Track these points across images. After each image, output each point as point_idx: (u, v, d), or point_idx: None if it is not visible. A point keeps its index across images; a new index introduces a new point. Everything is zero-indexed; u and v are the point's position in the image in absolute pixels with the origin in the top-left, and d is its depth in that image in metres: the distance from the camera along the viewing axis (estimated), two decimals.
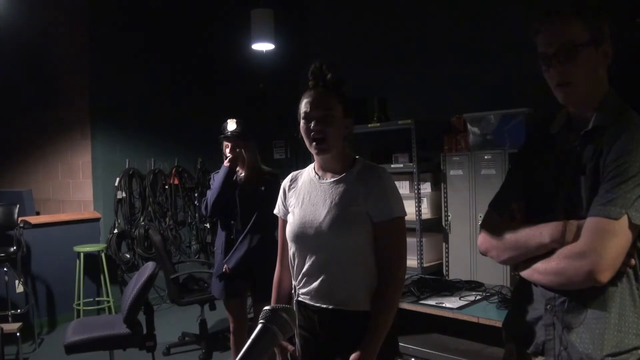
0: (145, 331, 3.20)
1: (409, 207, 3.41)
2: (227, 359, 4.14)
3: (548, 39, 1.34)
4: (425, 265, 3.84)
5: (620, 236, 1.21)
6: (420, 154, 3.83)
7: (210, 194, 3.23)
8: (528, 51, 1.40)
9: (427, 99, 4.39)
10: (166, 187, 5.98)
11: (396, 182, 1.97)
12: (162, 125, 5.93)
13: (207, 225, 6.18)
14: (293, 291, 1.86)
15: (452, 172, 3.74)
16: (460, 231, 3.71)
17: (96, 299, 5.38)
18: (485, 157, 3.55)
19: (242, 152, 3.22)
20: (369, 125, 4.12)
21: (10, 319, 4.48)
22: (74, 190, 5.83)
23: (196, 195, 6.19)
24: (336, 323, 1.74)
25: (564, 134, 1.42)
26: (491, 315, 2.61)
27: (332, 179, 1.79)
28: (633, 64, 3.22)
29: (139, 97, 5.72)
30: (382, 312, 1.69)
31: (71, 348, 3.04)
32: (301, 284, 1.80)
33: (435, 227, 3.92)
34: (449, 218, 3.79)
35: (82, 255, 5.04)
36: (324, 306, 1.74)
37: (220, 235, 3.32)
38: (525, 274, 1.38)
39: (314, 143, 1.73)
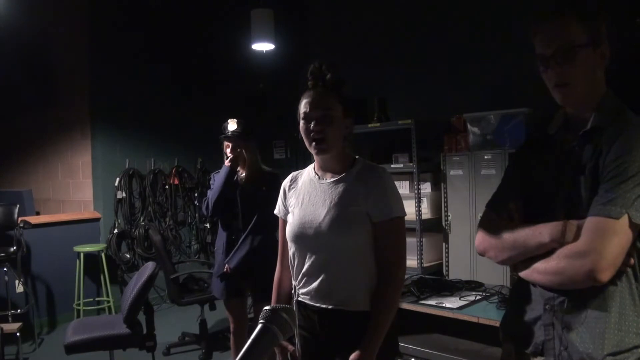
0: (145, 331, 3.20)
1: (409, 207, 3.41)
2: (227, 359, 4.14)
3: (546, 40, 1.34)
4: (425, 265, 3.84)
5: (620, 235, 1.21)
6: (420, 154, 3.83)
7: (211, 194, 3.23)
8: (528, 51, 1.40)
9: (427, 99, 4.39)
10: (166, 187, 5.98)
11: (396, 182, 1.97)
12: (162, 125, 5.93)
13: (207, 225, 6.18)
14: (293, 291, 1.86)
15: (452, 172, 3.74)
16: (460, 231, 3.71)
17: (96, 299, 5.38)
18: (485, 157, 3.55)
19: (243, 152, 3.22)
20: (369, 125, 4.13)
21: (10, 319, 4.48)
22: (74, 190, 5.83)
23: (196, 195, 6.19)
24: (336, 323, 1.74)
25: (561, 134, 1.42)
26: (491, 315, 2.61)
27: (332, 179, 1.79)
28: (633, 64, 3.23)
29: (139, 97, 5.72)
30: (382, 312, 1.69)
31: (71, 348, 3.04)
32: (301, 284, 1.80)
33: (435, 227, 3.92)
34: (449, 218, 3.79)
35: (82, 255, 5.04)
36: (324, 306, 1.74)
37: (221, 235, 3.32)
38: (524, 274, 1.38)
39: (314, 143, 1.73)
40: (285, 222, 1.88)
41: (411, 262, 3.73)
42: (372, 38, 4.83)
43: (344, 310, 1.72)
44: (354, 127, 1.85)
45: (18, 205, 4.79)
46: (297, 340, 1.83)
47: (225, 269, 3.21)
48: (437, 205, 3.90)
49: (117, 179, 5.62)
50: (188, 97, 6.07)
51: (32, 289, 5.02)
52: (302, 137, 1.78)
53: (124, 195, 5.63)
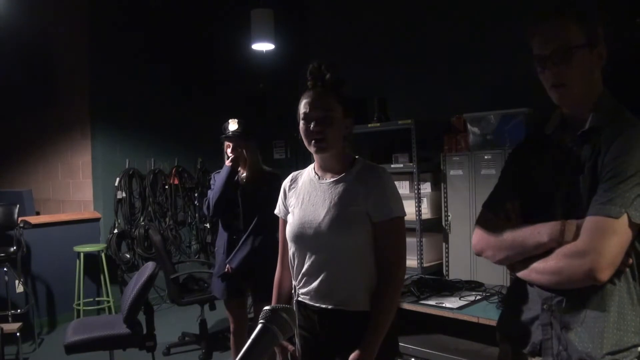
0: (145, 331, 3.20)
1: (409, 207, 3.42)
2: (227, 359, 4.14)
3: (543, 40, 1.35)
4: (425, 265, 3.84)
5: (620, 234, 1.22)
6: (420, 154, 3.83)
7: (212, 194, 3.23)
8: (528, 51, 1.41)
9: (427, 99, 4.39)
10: (166, 187, 5.98)
11: (396, 182, 1.97)
12: (162, 125, 5.92)
13: (207, 225, 6.18)
14: (293, 291, 1.86)
15: (452, 172, 3.74)
16: (460, 231, 3.71)
17: (96, 299, 5.38)
18: (485, 157, 3.55)
19: (244, 152, 3.22)
20: (369, 125, 4.13)
21: (10, 319, 4.48)
22: (74, 190, 5.83)
23: (196, 195, 6.19)
24: (336, 323, 1.74)
25: (558, 134, 1.43)
26: (491, 315, 2.61)
27: (332, 179, 1.79)
28: (633, 64, 3.23)
29: (139, 97, 5.72)
30: (382, 312, 1.69)
31: (71, 348, 3.04)
32: (301, 284, 1.80)
33: (435, 227, 3.92)
34: (449, 218, 3.79)
35: (82, 255, 5.04)
36: (324, 306, 1.74)
37: (222, 235, 3.32)
38: (522, 274, 1.38)
39: (313, 141, 1.73)
40: (285, 222, 1.88)
41: (411, 262, 3.73)
42: (372, 38, 4.83)
43: (344, 310, 1.72)
44: (354, 127, 1.85)
45: (18, 205, 4.79)
46: (297, 340, 1.83)
47: (226, 269, 3.21)
48: (437, 205, 3.90)
49: (117, 179, 5.62)
50: (188, 97, 6.07)
51: (32, 289, 5.02)
52: (302, 137, 1.78)
53: (124, 195, 5.63)
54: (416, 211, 3.82)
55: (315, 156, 1.83)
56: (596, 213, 1.24)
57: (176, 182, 6.05)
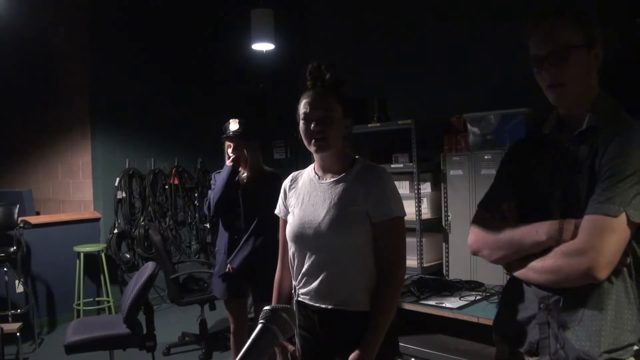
0: (145, 331, 3.20)
1: (409, 207, 3.41)
2: (227, 359, 4.14)
3: (541, 41, 1.35)
4: (425, 265, 3.84)
5: (619, 233, 1.22)
6: (420, 154, 3.83)
7: (213, 194, 3.23)
8: (528, 51, 1.41)
9: (427, 99, 4.39)
10: (166, 187, 5.98)
11: (396, 182, 1.97)
12: (162, 125, 5.93)
13: (207, 225, 6.18)
14: (293, 291, 1.86)
15: (452, 172, 3.74)
16: (460, 231, 3.71)
17: (96, 299, 5.38)
18: (485, 157, 3.55)
19: (244, 152, 3.22)
20: (369, 125, 4.12)
21: (10, 319, 4.48)
22: (74, 190, 5.83)
23: (196, 195, 6.19)
24: (336, 323, 1.74)
25: (555, 134, 1.43)
26: (491, 315, 2.58)
27: (332, 179, 1.79)
28: (633, 64, 3.23)
29: (139, 97, 5.72)
30: (382, 312, 1.69)
31: (71, 348, 3.04)
32: (301, 284, 1.80)
33: (435, 227, 3.92)
34: (449, 218, 3.79)
35: (82, 255, 5.04)
36: (324, 306, 1.74)
37: (223, 235, 3.32)
38: (519, 273, 1.38)
39: (313, 141, 1.73)
40: (285, 222, 1.88)
41: (411, 262, 3.73)
42: (372, 38, 4.83)
43: (344, 310, 1.72)
44: (354, 127, 1.85)
45: (18, 205, 4.79)
46: (297, 340, 1.83)
47: (227, 269, 3.21)
48: (437, 205, 3.89)
49: (117, 179, 5.62)
50: (188, 97, 6.07)
51: (32, 289, 5.02)
52: (302, 137, 1.78)
53: (124, 195, 5.63)
54: (416, 211, 3.82)
55: (315, 156, 1.83)
56: (595, 212, 1.24)
57: (176, 182, 6.05)
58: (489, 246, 1.44)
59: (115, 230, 5.57)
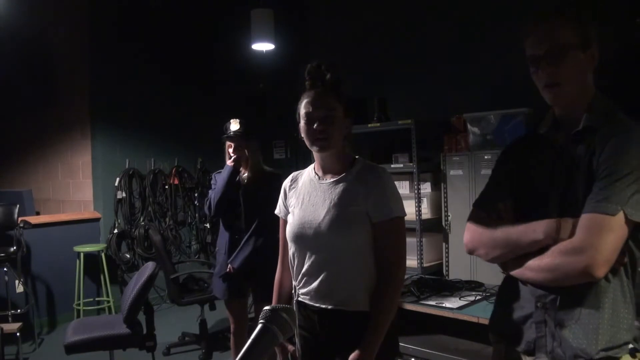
0: (145, 331, 3.20)
1: (409, 207, 3.41)
2: (227, 359, 4.14)
3: (537, 41, 1.36)
4: (425, 265, 3.84)
5: (616, 232, 1.23)
6: (420, 154, 3.83)
7: (214, 194, 3.23)
8: (524, 51, 1.41)
9: (427, 99, 4.39)
10: (166, 187, 5.98)
11: (396, 182, 1.97)
12: (162, 125, 5.93)
13: (207, 225, 6.18)
14: (293, 291, 1.86)
15: (452, 172, 3.74)
16: (460, 231, 3.68)
17: (96, 299, 5.38)
18: (485, 157, 3.55)
19: (245, 152, 3.22)
20: (369, 125, 4.12)
21: (10, 319, 4.48)
22: (74, 190, 5.83)
23: (196, 195, 6.19)
24: (336, 323, 1.74)
25: (551, 134, 1.44)
26: None
27: (332, 179, 1.79)
28: (633, 64, 3.23)
29: (139, 97, 5.72)
30: (382, 312, 1.69)
31: (71, 348, 3.04)
32: (301, 284, 1.80)
33: (435, 227, 3.92)
34: (449, 218, 3.79)
35: (82, 255, 5.04)
36: (324, 306, 1.74)
37: (224, 235, 3.31)
38: (516, 272, 1.39)
39: (316, 140, 1.73)
40: (285, 222, 1.88)
41: (411, 262, 3.73)
42: (372, 38, 4.83)
43: (344, 310, 1.72)
44: (353, 127, 1.85)
45: (18, 205, 4.79)
46: (297, 340, 1.83)
47: (228, 269, 3.21)
48: (437, 205, 3.89)
49: (117, 179, 5.62)
50: (188, 97, 6.07)
51: (32, 289, 5.02)
52: (302, 137, 1.78)
53: (124, 195, 5.63)
54: (416, 211, 3.82)
55: (315, 156, 1.83)
56: (593, 210, 1.24)
57: (176, 182, 6.05)
58: (485, 245, 1.44)
59: (115, 230, 5.57)
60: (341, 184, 1.77)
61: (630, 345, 1.28)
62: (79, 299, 5.06)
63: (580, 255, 1.23)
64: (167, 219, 5.97)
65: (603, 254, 1.22)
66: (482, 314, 2.65)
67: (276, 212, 1.96)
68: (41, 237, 5.09)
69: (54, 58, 5.94)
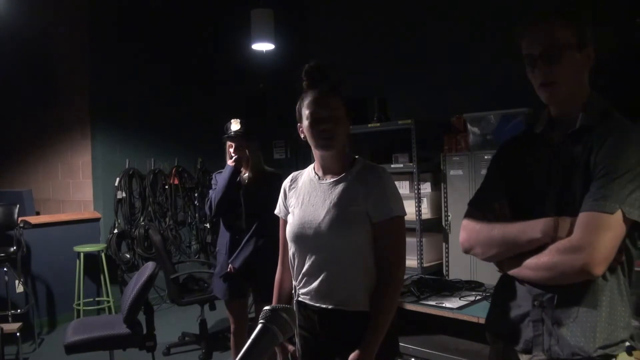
0: (145, 331, 3.20)
1: (409, 207, 3.41)
2: (227, 359, 4.14)
3: (534, 40, 1.37)
4: (425, 265, 3.84)
5: (614, 230, 1.23)
6: (420, 154, 3.83)
7: (215, 194, 3.23)
8: (520, 50, 1.42)
9: (427, 99, 4.39)
10: (166, 187, 5.98)
11: (396, 182, 1.97)
12: (162, 125, 5.93)
13: (207, 225, 6.18)
14: (293, 291, 1.86)
15: (452, 172, 3.74)
16: (460, 231, 3.70)
17: (96, 299, 5.38)
18: (485, 157, 3.55)
19: (246, 152, 3.22)
20: (369, 125, 4.12)
21: (10, 319, 4.48)
22: (74, 190, 5.83)
23: (196, 195, 6.19)
24: (336, 323, 1.74)
25: (547, 133, 1.44)
26: None
27: (332, 179, 1.79)
28: (633, 64, 3.23)
29: (139, 97, 5.72)
30: (382, 312, 1.69)
31: (71, 348, 3.04)
32: (301, 284, 1.80)
33: (435, 227, 3.92)
34: (449, 218, 3.79)
35: (82, 255, 5.04)
36: (324, 306, 1.75)
37: (224, 235, 3.31)
38: (513, 271, 1.39)
39: (321, 140, 1.73)
40: (286, 222, 1.88)
41: (411, 262, 3.73)
42: (372, 38, 4.83)
43: (344, 310, 1.72)
44: (353, 127, 1.85)
45: (18, 205, 4.79)
46: (297, 340, 1.83)
47: (229, 269, 3.21)
48: (437, 205, 3.89)
49: (117, 179, 5.62)
50: (188, 97, 6.07)
51: (32, 289, 5.02)
52: (303, 137, 1.78)
53: (124, 195, 5.63)
54: (416, 211, 3.82)
55: (316, 156, 1.83)
56: (590, 209, 1.25)
57: (176, 182, 6.05)
58: (481, 244, 1.45)
59: (115, 230, 5.57)
60: (341, 184, 1.77)
61: (627, 343, 1.29)
62: (79, 299, 5.06)
63: (578, 253, 1.23)
64: (167, 219, 5.97)
65: (601, 252, 1.22)
66: (482, 314, 2.64)
67: (276, 212, 1.96)
68: (41, 237, 5.08)
69: (54, 58, 5.93)
